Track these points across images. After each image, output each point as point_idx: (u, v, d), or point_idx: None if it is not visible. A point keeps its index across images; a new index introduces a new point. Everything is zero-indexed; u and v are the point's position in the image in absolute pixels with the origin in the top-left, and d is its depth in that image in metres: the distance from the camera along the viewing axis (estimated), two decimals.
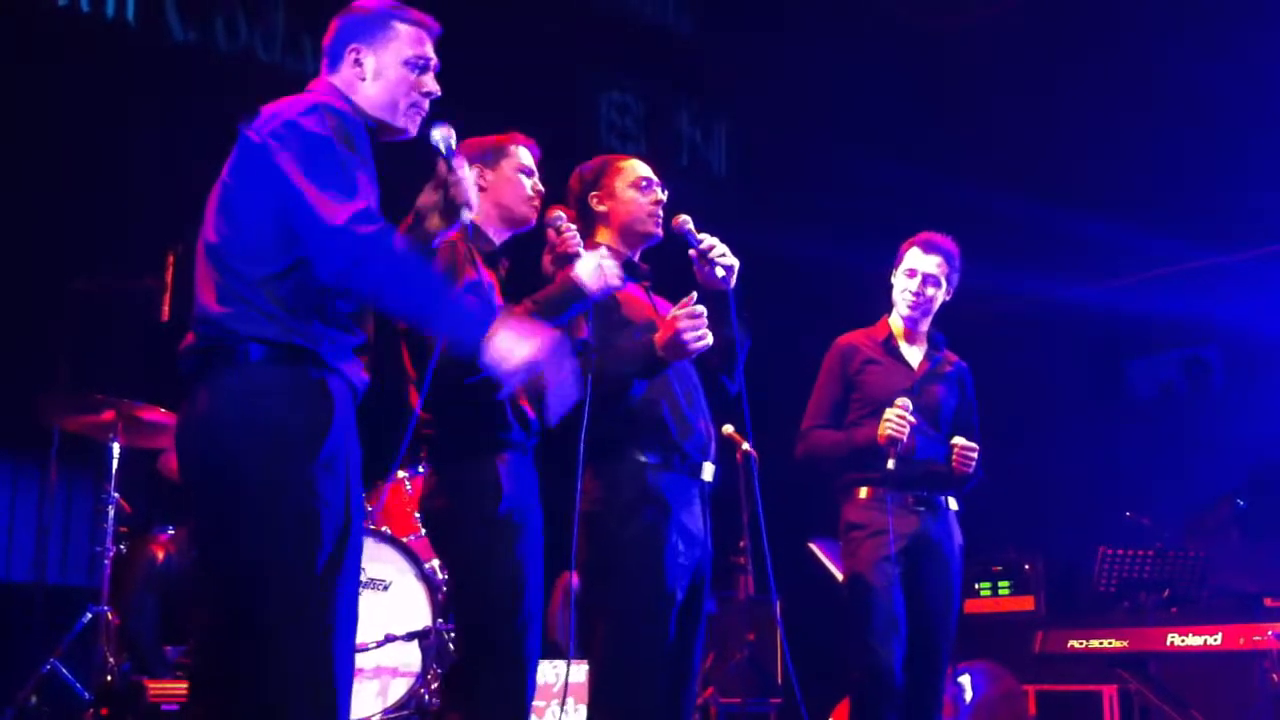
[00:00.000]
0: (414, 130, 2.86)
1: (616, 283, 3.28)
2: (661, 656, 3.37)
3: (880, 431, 4.16)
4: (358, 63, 2.80)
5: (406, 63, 2.81)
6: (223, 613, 2.54)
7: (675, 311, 3.37)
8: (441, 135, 2.90)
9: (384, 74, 2.80)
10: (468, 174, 2.89)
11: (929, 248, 4.44)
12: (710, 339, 3.38)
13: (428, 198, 2.91)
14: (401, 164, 2.96)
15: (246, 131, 2.67)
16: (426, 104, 2.86)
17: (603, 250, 3.34)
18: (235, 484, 2.53)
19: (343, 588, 2.58)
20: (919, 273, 4.42)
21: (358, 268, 2.53)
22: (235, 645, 2.51)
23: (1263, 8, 7.06)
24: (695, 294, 3.42)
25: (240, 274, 2.60)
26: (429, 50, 2.86)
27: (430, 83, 2.84)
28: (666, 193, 3.70)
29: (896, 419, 4.14)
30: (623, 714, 3.34)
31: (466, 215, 2.89)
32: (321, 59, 2.87)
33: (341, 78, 2.82)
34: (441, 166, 2.89)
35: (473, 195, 2.90)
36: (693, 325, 3.33)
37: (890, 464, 4.12)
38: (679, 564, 3.43)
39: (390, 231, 2.57)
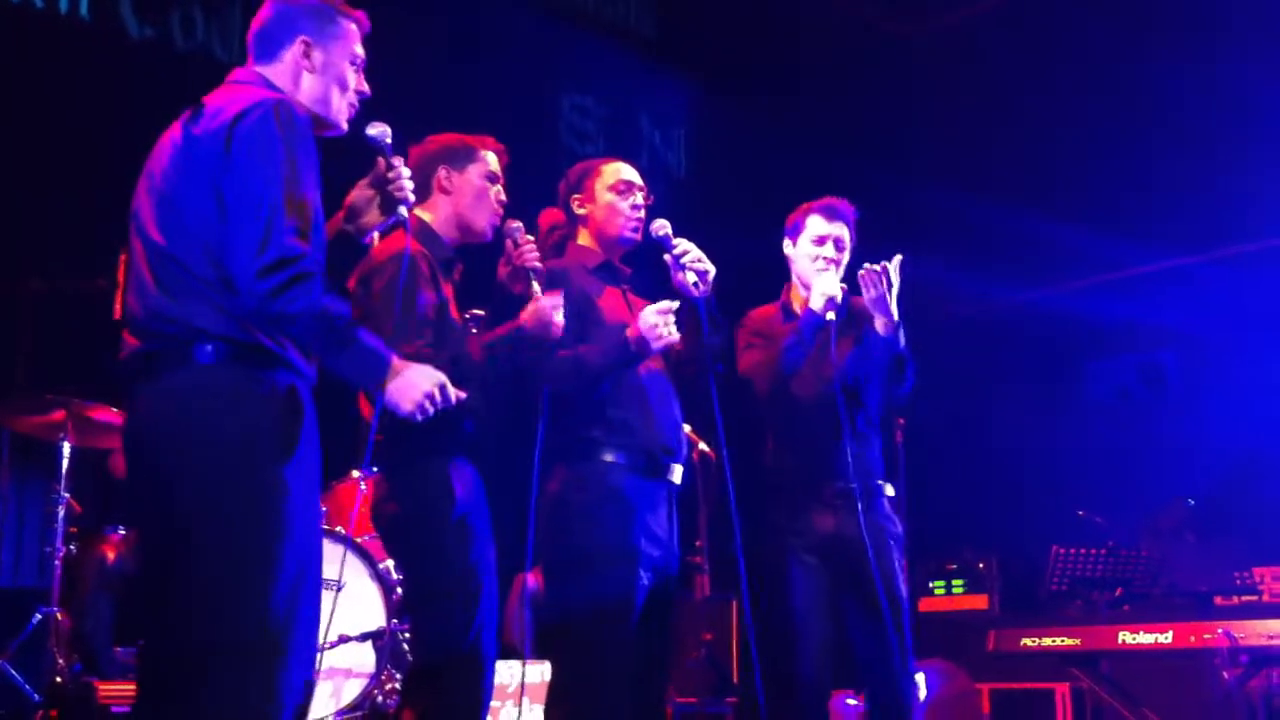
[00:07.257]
0: (345, 127, 2.85)
1: (558, 331, 3.28)
2: (625, 659, 3.35)
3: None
4: (307, 54, 2.76)
5: (352, 61, 2.81)
6: (194, 619, 2.42)
7: (646, 309, 3.41)
8: (379, 131, 2.88)
9: (331, 69, 2.78)
10: (405, 171, 2.88)
11: (833, 215, 4.06)
12: (675, 336, 3.42)
13: (361, 193, 2.87)
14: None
15: (191, 129, 2.60)
16: (357, 101, 2.85)
17: (554, 301, 3.28)
18: (206, 488, 2.43)
19: (310, 592, 2.55)
20: (829, 239, 4.04)
21: (270, 307, 2.46)
22: (203, 651, 2.40)
23: (1221, 12, 7.13)
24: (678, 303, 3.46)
25: (198, 275, 2.52)
26: (361, 48, 2.86)
27: (363, 82, 2.85)
28: (652, 198, 3.70)
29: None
30: (585, 715, 3.33)
31: (403, 212, 2.87)
32: (250, 44, 2.81)
33: (284, 66, 2.76)
34: (380, 163, 2.87)
35: (410, 193, 2.88)
36: (661, 321, 3.38)
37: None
38: (644, 567, 3.42)
39: (304, 278, 2.47)
